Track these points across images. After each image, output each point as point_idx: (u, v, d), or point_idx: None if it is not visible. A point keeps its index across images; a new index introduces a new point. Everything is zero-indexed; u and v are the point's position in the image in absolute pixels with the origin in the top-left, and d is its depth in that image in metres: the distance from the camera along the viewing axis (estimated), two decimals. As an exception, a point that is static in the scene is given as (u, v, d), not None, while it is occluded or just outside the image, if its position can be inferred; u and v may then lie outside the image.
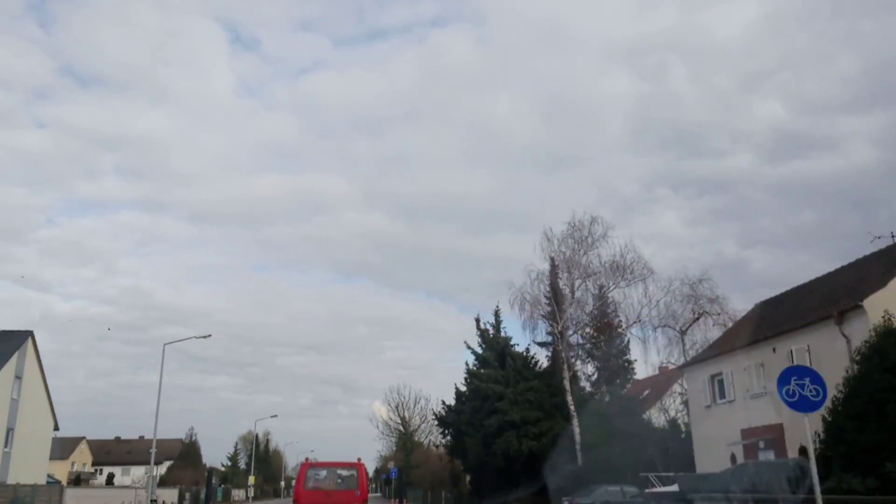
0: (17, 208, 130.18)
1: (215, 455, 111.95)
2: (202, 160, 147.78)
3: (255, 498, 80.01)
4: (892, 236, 26.81)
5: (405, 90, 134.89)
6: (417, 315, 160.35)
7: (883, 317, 18.98)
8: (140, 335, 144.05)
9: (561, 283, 37.61)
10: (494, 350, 39.42)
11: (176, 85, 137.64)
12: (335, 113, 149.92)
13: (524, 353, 39.44)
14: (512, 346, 39.75)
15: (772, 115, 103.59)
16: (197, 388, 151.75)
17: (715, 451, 30.27)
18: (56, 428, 52.17)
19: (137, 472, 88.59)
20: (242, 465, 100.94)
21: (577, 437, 35.38)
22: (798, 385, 12.68)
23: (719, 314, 37.01)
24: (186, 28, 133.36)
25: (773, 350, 26.95)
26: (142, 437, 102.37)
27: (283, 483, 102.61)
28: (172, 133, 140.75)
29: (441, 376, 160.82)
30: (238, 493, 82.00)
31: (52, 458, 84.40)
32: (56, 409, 50.99)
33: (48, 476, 54.46)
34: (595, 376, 43.28)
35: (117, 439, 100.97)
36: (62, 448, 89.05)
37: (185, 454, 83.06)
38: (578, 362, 38.89)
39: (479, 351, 40.66)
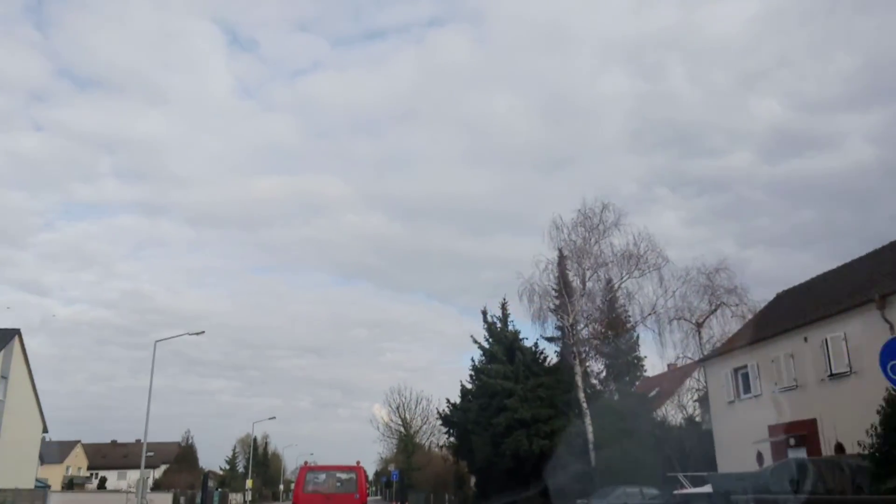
0: (16, 212, 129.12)
1: (214, 459, 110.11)
2: (200, 162, 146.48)
3: (253, 502, 77.73)
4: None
5: (403, 90, 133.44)
6: (417, 317, 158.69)
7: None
8: (139, 339, 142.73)
9: (571, 275, 35.54)
10: (503, 344, 37.27)
11: (174, 87, 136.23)
12: (333, 114, 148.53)
13: (533, 349, 37.32)
14: (521, 339, 37.63)
15: (770, 113, 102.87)
16: (196, 391, 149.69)
17: (738, 450, 28.22)
18: (45, 430, 49.91)
19: (134, 475, 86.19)
20: (241, 468, 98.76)
21: (590, 436, 33.32)
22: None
23: (737, 305, 35.01)
24: (184, 30, 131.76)
25: (805, 340, 24.89)
26: (138, 441, 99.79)
27: (281, 486, 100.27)
28: (170, 135, 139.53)
29: (441, 378, 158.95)
30: (236, 497, 79.73)
31: (46, 462, 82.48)
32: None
33: (37, 480, 52.25)
34: (603, 373, 41.26)
35: (113, 443, 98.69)
36: (57, 452, 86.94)
37: (181, 457, 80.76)
38: (588, 359, 36.63)
39: (487, 345, 38.47)
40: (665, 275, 33.92)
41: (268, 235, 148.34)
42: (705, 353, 35.54)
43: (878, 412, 16.12)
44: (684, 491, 21.37)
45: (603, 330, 36.53)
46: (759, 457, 27.06)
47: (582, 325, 35.02)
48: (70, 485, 66.29)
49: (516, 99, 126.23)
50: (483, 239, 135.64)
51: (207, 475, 54.83)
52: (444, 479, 53.57)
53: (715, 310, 35.29)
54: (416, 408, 76.84)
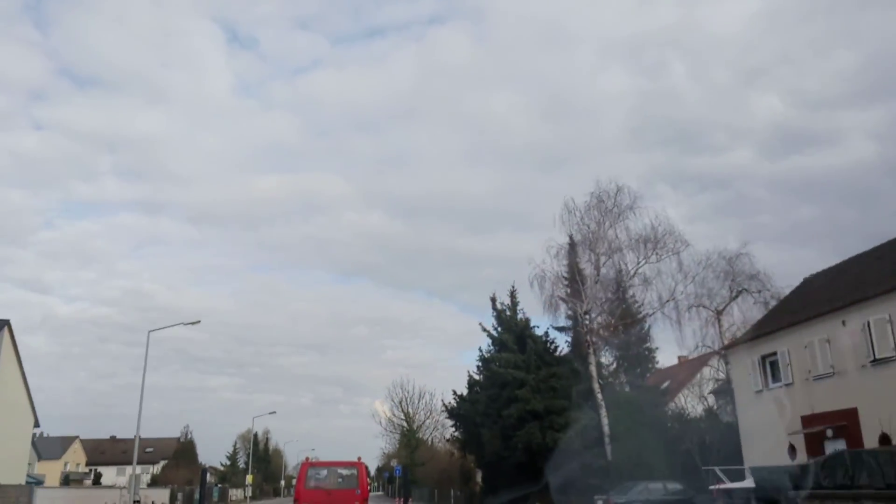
0: (16, 211, 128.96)
1: (216, 455, 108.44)
2: (201, 161, 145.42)
3: (253, 498, 75.76)
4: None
5: (404, 88, 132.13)
6: (417, 314, 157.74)
7: None
8: (140, 336, 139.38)
9: (584, 261, 33.51)
10: (513, 333, 35.19)
11: (174, 85, 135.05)
12: (333, 112, 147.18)
13: (544, 338, 35.26)
14: (532, 328, 35.56)
15: (771, 110, 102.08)
16: (197, 388, 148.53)
17: (767, 442, 26.20)
18: (37, 425, 47.88)
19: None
20: (242, 464, 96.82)
21: (606, 429, 31.30)
22: None
23: (759, 292, 32.90)
24: (183, 28, 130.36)
25: (843, 323, 22.90)
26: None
27: (282, 482, 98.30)
28: (170, 134, 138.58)
29: (442, 374, 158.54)
30: (236, 493, 77.72)
31: (44, 457, 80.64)
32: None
33: (32, 476, 50.30)
34: (613, 365, 39.26)
35: (112, 439, 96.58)
36: (54, 448, 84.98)
37: (180, 453, 78.73)
38: (599, 351, 34.55)
39: (496, 334, 36.37)
40: (684, 260, 31.84)
41: (268, 234, 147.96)
42: (725, 341, 33.55)
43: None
44: (723, 486, 19.35)
45: (613, 321, 34.43)
46: (792, 449, 25.05)
47: (595, 314, 32.91)
48: (66, 481, 64.18)
49: (517, 97, 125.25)
50: (483, 237, 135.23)
51: (206, 470, 52.85)
52: (450, 474, 51.53)
53: (736, 296, 33.24)
54: (419, 402, 74.87)
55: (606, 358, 38.35)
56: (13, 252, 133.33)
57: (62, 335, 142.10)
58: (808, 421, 24.49)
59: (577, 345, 35.51)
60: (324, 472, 22.09)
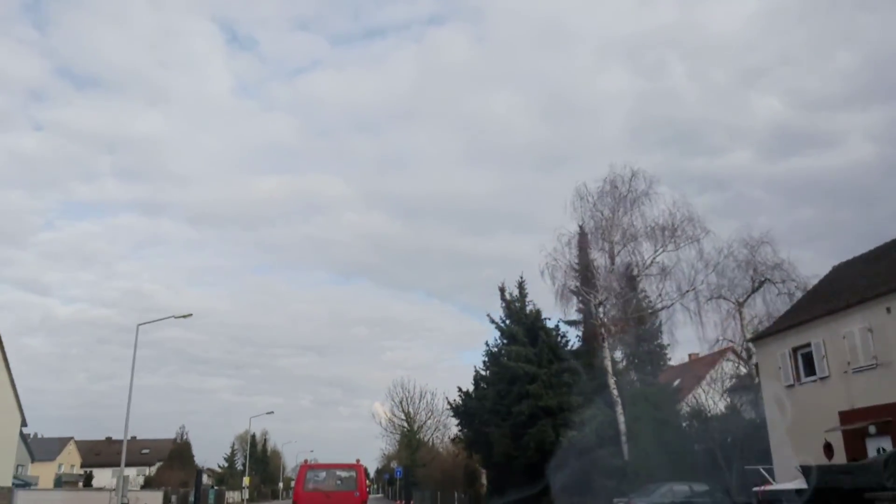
0: (16, 212, 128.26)
1: (215, 457, 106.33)
2: (200, 161, 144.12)
3: (251, 500, 73.45)
4: None
5: (403, 89, 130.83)
6: (417, 315, 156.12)
7: None
8: (140, 337, 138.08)
9: (597, 250, 31.43)
10: (523, 325, 33.03)
11: (173, 86, 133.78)
12: (333, 112, 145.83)
13: (555, 330, 33.15)
14: (544, 319, 33.39)
15: (770, 111, 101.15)
16: (196, 389, 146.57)
17: (800, 440, 24.04)
18: (24, 424, 45.64)
19: (129, 473, 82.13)
20: (240, 465, 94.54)
21: (622, 427, 29.16)
22: None
23: (783, 282, 30.81)
24: (183, 28, 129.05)
25: (888, 310, 20.80)
26: (134, 438, 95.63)
27: (281, 484, 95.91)
28: (170, 134, 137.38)
29: (442, 375, 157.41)
30: (233, 495, 75.43)
31: (37, 459, 78.23)
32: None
33: (16, 478, 48.05)
34: (623, 363, 37.14)
35: (108, 440, 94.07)
36: (48, 449, 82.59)
37: (175, 454, 76.41)
38: (613, 345, 32.37)
39: (505, 326, 34.16)
40: (706, 247, 29.77)
41: (268, 234, 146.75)
42: (747, 335, 31.48)
43: None
44: (771, 487, 17.24)
45: (629, 312, 32.26)
46: (828, 448, 22.88)
47: (610, 305, 30.76)
48: (59, 482, 61.92)
49: (516, 97, 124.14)
50: (483, 237, 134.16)
51: (201, 472, 50.59)
52: (453, 475, 49.32)
53: (758, 287, 31.16)
54: (419, 402, 72.58)
55: (616, 355, 36.29)
56: (13, 253, 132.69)
57: (61, 336, 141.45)
58: (846, 417, 22.39)
59: (589, 339, 33.44)
60: (322, 475, 21.94)
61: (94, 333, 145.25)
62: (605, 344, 30.18)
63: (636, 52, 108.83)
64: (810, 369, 24.40)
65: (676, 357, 39.20)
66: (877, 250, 26.00)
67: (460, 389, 38.07)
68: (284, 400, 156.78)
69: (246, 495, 69.40)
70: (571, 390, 29.30)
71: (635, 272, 30.72)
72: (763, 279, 31.03)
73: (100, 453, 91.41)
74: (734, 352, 39.33)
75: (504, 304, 34.72)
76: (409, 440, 71.95)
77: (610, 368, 29.83)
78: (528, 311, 33.92)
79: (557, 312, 33.80)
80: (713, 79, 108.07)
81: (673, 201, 30.52)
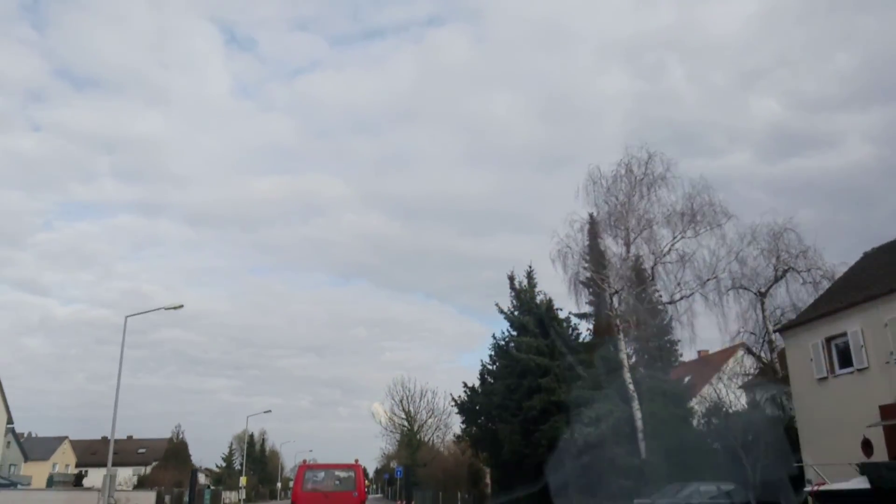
0: (14, 212, 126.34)
1: (213, 457, 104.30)
2: (199, 162, 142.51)
3: (248, 500, 71.29)
4: None
5: (402, 90, 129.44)
6: (416, 316, 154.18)
7: None
8: (138, 338, 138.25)
9: (610, 237, 29.50)
10: (534, 315, 31.01)
11: (172, 86, 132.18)
12: (332, 113, 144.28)
13: (567, 321, 31.15)
14: (556, 309, 31.38)
15: (769, 112, 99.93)
16: (196, 390, 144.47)
17: (834, 437, 22.11)
18: (10, 422, 43.63)
19: (124, 472, 79.95)
20: (237, 465, 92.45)
21: (639, 424, 27.17)
22: None
23: (809, 270, 28.87)
24: (181, 29, 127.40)
25: (938, 295, 18.88)
26: (130, 437, 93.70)
27: (279, 484, 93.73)
28: (169, 135, 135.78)
29: (441, 377, 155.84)
30: (230, 496, 73.29)
31: (30, 458, 76.10)
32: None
33: (3, 478, 46.01)
34: (633, 359, 35.17)
35: (104, 439, 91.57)
36: (42, 448, 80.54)
37: (171, 454, 74.27)
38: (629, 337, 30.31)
39: (514, 316, 32.09)
40: (728, 233, 27.81)
41: (267, 235, 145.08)
42: (770, 326, 29.57)
43: None
44: (829, 487, 15.25)
45: (640, 306, 30.25)
46: (867, 445, 20.91)
47: (626, 294, 28.76)
48: (50, 482, 59.83)
49: (515, 98, 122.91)
50: (482, 239, 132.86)
51: (196, 471, 48.51)
52: (455, 475, 47.34)
53: (782, 276, 29.21)
54: (420, 401, 70.47)
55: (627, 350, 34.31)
56: (11, 253, 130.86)
57: (60, 337, 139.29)
58: (888, 411, 20.44)
59: (601, 332, 31.52)
60: (321, 475, 21.80)
61: (92, 334, 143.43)
62: (621, 336, 28.20)
63: (635, 54, 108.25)
64: (846, 360, 22.46)
65: (688, 353, 37.17)
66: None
67: (465, 385, 36.12)
68: (284, 400, 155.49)
69: (243, 495, 67.25)
70: (586, 384, 27.25)
71: (652, 261, 28.76)
72: (787, 268, 29.10)
73: (96, 452, 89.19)
74: (747, 348, 37.60)
75: (514, 294, 32.69)
76: (410, 439, 69.89)
77: (626, 362, 27.86)
78: (538, 301, 31.94)
79: (569, 303, 31.91)
80: (712, 80, 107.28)
81: (692, 185, 28.54)
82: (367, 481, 67.22)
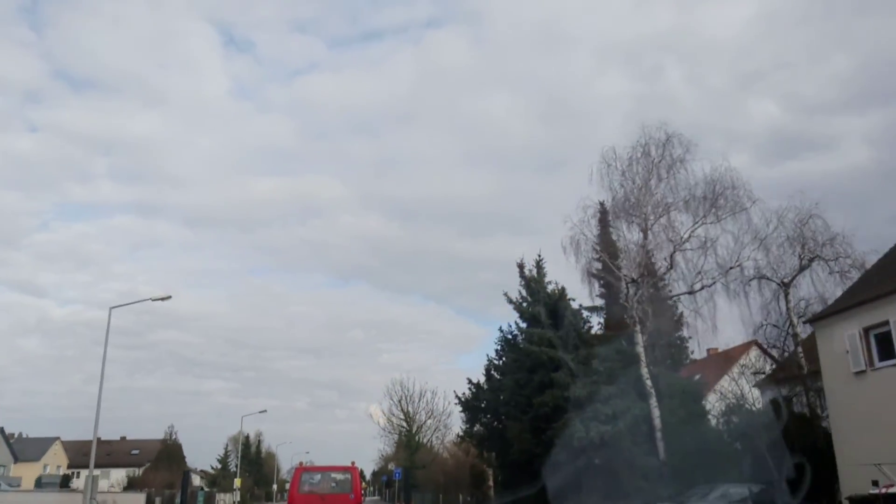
0: (11, 213, 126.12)
1: (209, 459, 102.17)
2: (197, 163, 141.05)
3: (242, 502, 68.98)
4: None
5: (401, 91, 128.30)
6: (414, 318, 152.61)
7: None
8: (135, 339, 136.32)
9: (626, 223, 27.55)
10: (545, 304, 28.96)
11: (170, 87, 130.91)
12: (330, 115, 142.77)
13: (578, 313, 29.13)
14: (569, 299, 29.33)
15: (767, 115, 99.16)
16: (193, 392, 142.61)
17: (874, 435, 20.13)
18: (-9, 420, 41.41)
19: (117, 474, 77.81)
20: (233, 467, 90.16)
21: (657, 422, 25.19)
22: None
23: (836, 259, 26.90)
24: (180, 30, 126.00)
25: None
26: (123, 438, 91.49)
27: (275, 486, 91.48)
28: (166, 136, 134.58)
29: (439, 379, 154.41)
30: (225, 498, 71.09)
31: (21, 459, 73.87)
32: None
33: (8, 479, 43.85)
34: (642, 355, 33.22)
35: (97, 440, 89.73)
36: (33, 449, 78.35)
37: (164, 455, 72.04)
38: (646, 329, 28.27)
39: (524, 306, 29.99)
40: (753, 218, 25.86)
41: (265, 236, 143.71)
42: (795, 319, 27.61)
43: None
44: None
45: (658, 296, 28.28)
46: (913, 444, 19.03)
47: (643, 284, 26.75)
48: (38, 484, 57.68)
49: (514, 100, 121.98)
50: (480, 240, 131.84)
51: (188, 473, 46.42)
52: (457, 477, 45.27)
53: (807, 265, 27.24)
54: (419, 401, 68.33)
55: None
56: (8, 254, 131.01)
57: (56, 338, 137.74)
58: (938, 407, 18.53)
59: (614, 325, 29.57)
60: (317, 477, 21.78)
61: (89, 335, 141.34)
62: (637, 328, 26.23)
63: (634, 56, 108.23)
64: (887, 352, 20.45)
65: (706, 345, 35.30)
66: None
67: (470, 381, 33.98)
68: (281, 402, 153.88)
69: (237, 497, 65.04)
70: (602, 379, 25.24)
71: (671, 248, 26.77)
72: (813, 256, 27.14)
73: (88, 453, 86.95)
74: (758, 345, 35.80)
75: (523, 282, 30.61)
76: (409, 441, 67.79)
77: (643, 356, 25.90)
78: (549, 291, 29.91)
79: (581, 294, 29.94)
80: (710, 83, 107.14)
81: (713, 167, 26.58)
82: (363, 483, 65.46)
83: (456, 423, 60.85)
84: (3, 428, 73.08)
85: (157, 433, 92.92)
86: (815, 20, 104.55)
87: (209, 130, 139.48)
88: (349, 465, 21.97)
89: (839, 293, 25.68)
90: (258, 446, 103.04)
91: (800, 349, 27.30)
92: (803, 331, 27.76)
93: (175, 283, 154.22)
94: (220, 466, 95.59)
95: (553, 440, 24.71)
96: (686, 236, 26.67)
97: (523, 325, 30.14)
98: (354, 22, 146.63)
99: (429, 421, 67.84)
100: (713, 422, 27.52)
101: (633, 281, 26.30)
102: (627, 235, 27.78)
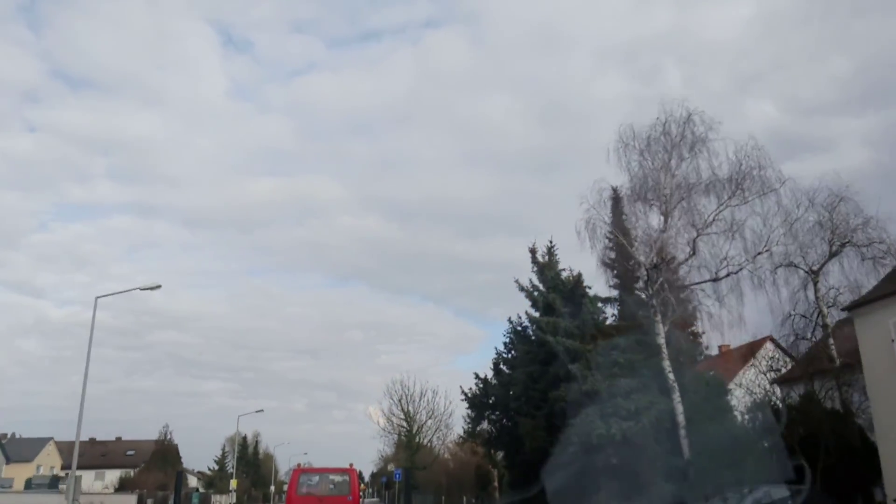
0: (9, 213, 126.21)
1: (208, 461, 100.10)
2: (195, 164, 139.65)
3: (239, 504, 66.89)
4: None
5: (399, 92, 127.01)
6: (412, 319, 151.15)
7: None
8: (133, 340, 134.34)
9: (645, 206, 25.57)
10: (560, 292, 26.91)
11: (168, 88, 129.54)
12: (329, 115, 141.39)
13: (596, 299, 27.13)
14: (586, 286, 27.29)
15: (765, 116, 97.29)
16: (191, 392, 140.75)
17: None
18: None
19: (112, 475, 75.62)
20: (230, 468, 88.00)
21: (680, 419, 23.17)
22: None
23: (869, 245, 24.94)
24: (178, 30, 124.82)
25: None
26: (119, 439, 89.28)
27: (272, 488, 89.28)
28: (165, 136, 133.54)
29: (437, 380, 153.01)
30: (221, 499, 68.92)
31: (13, 460, 71.55)
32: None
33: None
34: (664, 347, 31.21)
35: (91, 440, 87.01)
36: (26, 450, 76.08)
37: (158, 456, 69.85)
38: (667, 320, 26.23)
39: (538, 293, 27.89)
40: (784, 199, 23.88)
41: (263, 237, 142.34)
42: (824, 309, 25.68)
43: None
44: None
45: (680, 284, 26.26)
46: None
47: (664, 272, 24.74)
48: (28, 485, 55.50)
49: (513, 101, 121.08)
50: (479, 241, 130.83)
51: (181, 473, 44.28)
52: (460, 478, 43.21)
53: (837, 252, 25.30)
54: (420, 400, 66.17)
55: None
56: (5, 254, 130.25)
57: (54, 339, 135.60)
58: None
59: (628, 316, 27.63)
60: (315, 479, 21.68)
61: (86, 336, 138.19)
62: (658, 318, 24.23)
63: (632, 58, 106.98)
64: (940, 341, 18.64)
65: (724, 339, 33.23)
66: None
67: (477, 376, 31.82)
68: (279, 403, 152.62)
69: (233, 499, 62.87)
70: (624, 372, 23.22)
71: (694, 233, 24.79)
72: (844, 241, 25.19)
73: (83, 454, 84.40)
74: (773, 341, 33.94)
75: (536, 269, 28.51)
76: (409, 441, 65.68)
77: (665, 348, 23.90)
78: (564, 278, 27.87)
79: (597, 282, 27.84)
80: (708, 84, 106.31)
81: (737, 146, 24.59)
82: (362, 485, 63.56)
83: (457, 423, 58.89)
84: (-4, 429, 70.91)
85: (155, 434, 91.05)
86: (813, 21, 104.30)
87: (208, 131, 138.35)
88: (347, 466, 21.98)
89: (873, 281, 23.80)
90: (256, 447, 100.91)
91: (831, 340, 25.39)
92: (833, 321, 25.90)
93: (173, 284, 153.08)
94: (217, 468, 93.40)
95: (571, 437, 22.62)
96: (710, 219, 24.68)
97: (536, 314, 28.04)
98: (353, 22, 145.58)
99: (429, 421, 65.79)
100: (738, 419, 25.61)
101: (655, 266, 24.28)
102: (647, 219, 25.79)
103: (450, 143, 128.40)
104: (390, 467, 69.75)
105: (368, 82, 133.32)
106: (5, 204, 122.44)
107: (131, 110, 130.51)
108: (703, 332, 31.76)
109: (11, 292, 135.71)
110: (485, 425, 32.22)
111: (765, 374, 27.64)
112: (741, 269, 24.44)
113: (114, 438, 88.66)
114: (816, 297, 25.81)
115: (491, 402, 30.25)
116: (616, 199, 27.22)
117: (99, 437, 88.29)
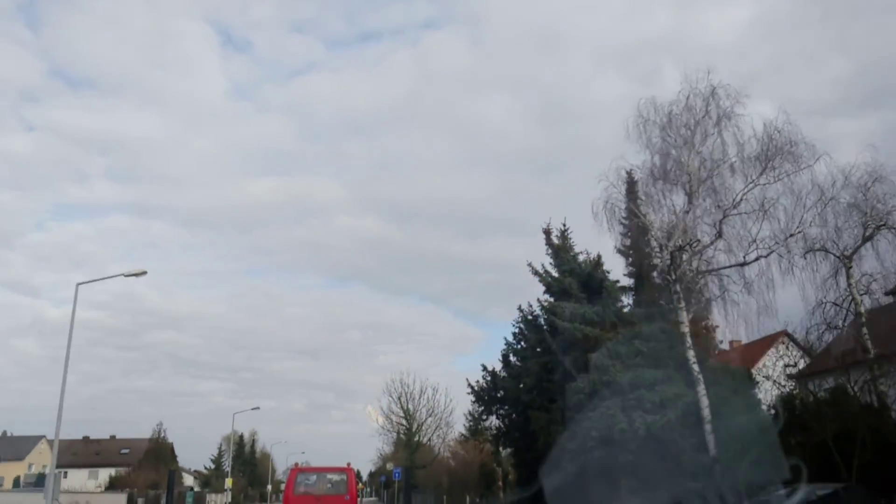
0: (7, 212, 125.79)
1: (204, 460, 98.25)
2: (194, 164, 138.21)
3: (234, 503, 64.84)
4: None
5: (399, 93, 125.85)
6: (411, 319, 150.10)
7: None
8: (131, 340, 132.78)
9: (667, 186, 23.70)
10: (577, 276, 25.02)
11: (167, 87, 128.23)
12: (328, 115, 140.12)
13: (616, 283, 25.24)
14: (606, 271, 25.37)
15: (764, 117, 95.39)
16: (189, 393, 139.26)
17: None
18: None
19: (106, 474, 73.69)
20: (227, 467, 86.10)
21: (705, 413, 21.26)
22: None
23: (906, 227, 23.13)
24: (177, 30, 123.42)
25: None
26: (113, 437, 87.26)
27: (269, 487, 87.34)
28: (164, 136, 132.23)
29: (436, 380, 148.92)
30: (216, 499, 66.95)
31: (4, 458, 69.66)
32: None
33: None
34: (688, 336, 29.34)
35: (85, 439, 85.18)
36: (18, 448, 74.35)
37: (151, 454, 67.86)
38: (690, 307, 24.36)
39: (553, 277, 25.96)
40: (818, 176, 22.01)
41: (262, 237, 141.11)
42: (858, 296, 23.87)
43: None
44: None
45: (707, 268, 24.36)
46: None
47: (688, 256, 22.86)
48: (17, 484, 53.63)
49: (512, 102, 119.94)
50: (478, 242, 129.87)
51: (173, 472, 42.36)
52: (462, 477, 41.32)
53: (872, 236, 23.48)
54: (420, 398, 64.28)
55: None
56: (3, 254, 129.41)
57: (52, 339, 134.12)
58: None
59: (645, 303, 25.80)
60: (313, 478, 21.66)
61: (84, 336, 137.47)
62: (682, 305, 22.35)
63: (631, 59, 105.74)
64: None
65: (749, 327, 31.43)
66: None
67: (485, 368, 29.87)
68: (277, 403, 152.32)
69: (228, 498, 60.90)
70: (647, 362, 21.34)
71: (720, 214, 22.91)
72: (880, 224, 23.37)
73: (76, 453, 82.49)
74: (789, 335, 32.23)
75: (551, 251, 26.58)
76: (408, 440, 63.81)
77: (689, 337, 22.03)
78: (580, 261, 25.98)
79: (617, 266, 25.92)
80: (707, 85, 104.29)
81: (766, 122, 22.72)
82: (360, 484, 61.80)
83: (458, 421, 57.13)
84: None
85: (150, 433, 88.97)
86: (812, 24, 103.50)
87: (206, 131, 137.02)
88: (345, 466, 21.75)
89: (910, 267, 22.06)
90: (252, 446, 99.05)
91: (864, 330, 23.58)
92: (866, 309, 24.12)
93: (171, 284, 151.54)
94: (213, 467, 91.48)
95: (590, 432, 20.70)
96: (738, 199, 22.79)
97: (550, 299, 26.10)
98: (352, 22, 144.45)
99: (429, 419, 63.90)
100: (765, 412, 23.82)
101: (679, 248, 22.39)
102: (670, 199, 23.86)
103: (449, 143, 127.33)
104: (389, 466, 67.94)
105: (368, 83, 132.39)
106: (3, 203, 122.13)
107: (130, 110, 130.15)
108: (717, 326, 29.98)
109: (9, 292, 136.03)
110: (492, 421, 30.36)
111: (784, 368, 25.84)
112: (771, 253, 22.54)
113: (107, 437, 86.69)
114: (849, 284, 23.97)
115: (500, 395, 28.37)
116: (631, 183, 25.39)
117: (93, 436, 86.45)
